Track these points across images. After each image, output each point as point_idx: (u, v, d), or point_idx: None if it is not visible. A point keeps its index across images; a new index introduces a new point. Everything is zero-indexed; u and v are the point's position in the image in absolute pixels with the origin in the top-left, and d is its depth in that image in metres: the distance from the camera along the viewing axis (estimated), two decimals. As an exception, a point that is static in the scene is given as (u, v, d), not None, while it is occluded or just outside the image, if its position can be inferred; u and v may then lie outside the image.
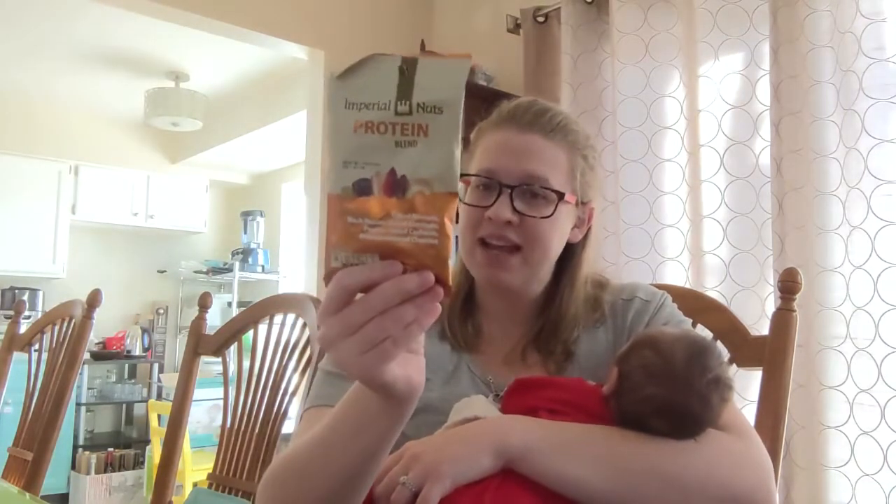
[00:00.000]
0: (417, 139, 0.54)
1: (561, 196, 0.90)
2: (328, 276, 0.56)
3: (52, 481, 3.84)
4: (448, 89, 0.55)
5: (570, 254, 0.96)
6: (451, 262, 0.56)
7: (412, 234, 0.54)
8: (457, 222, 0.85)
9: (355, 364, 0.57)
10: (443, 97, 0.55)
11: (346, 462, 0.68)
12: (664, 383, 0.75)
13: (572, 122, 0.95)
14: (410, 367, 0.61)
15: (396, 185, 0.54)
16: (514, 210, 0.88)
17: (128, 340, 5.26)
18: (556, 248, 0.93)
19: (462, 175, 0.93)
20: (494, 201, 0.88)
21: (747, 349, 1.05)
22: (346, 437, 0.67)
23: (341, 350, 0.57)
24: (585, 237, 0.97)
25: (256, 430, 1.44)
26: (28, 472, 1.69)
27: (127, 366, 5.37)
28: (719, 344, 1.03)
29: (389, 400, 0.62)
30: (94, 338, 4.91)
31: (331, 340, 0.57)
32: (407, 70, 0.54)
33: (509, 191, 0.88)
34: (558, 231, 0.92)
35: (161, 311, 5.63)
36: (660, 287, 1.00)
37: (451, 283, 0.56)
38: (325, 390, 0.91)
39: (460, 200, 0.93)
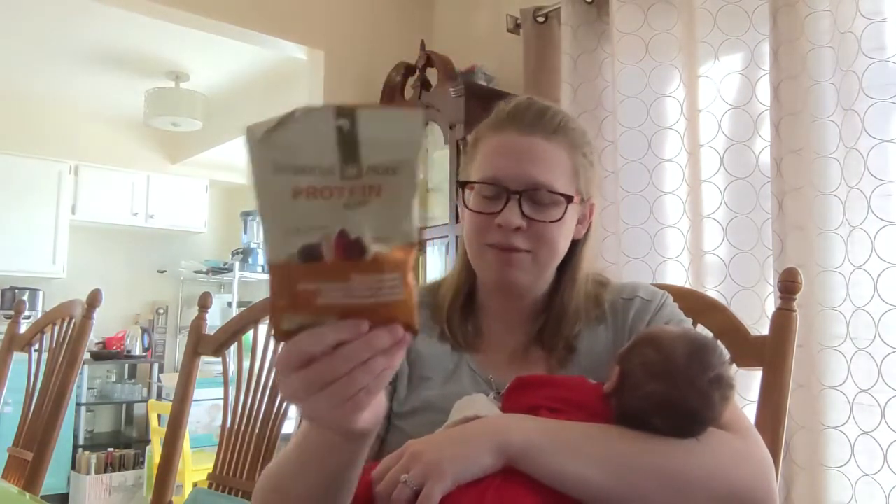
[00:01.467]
0: (369, 199, 0.48)
1: (570, 199, 0.91)
2: (282, 338, 0.53)
3: (52, 481, 3.84)
4: (402, 148, 0.48)
5: (572, 250, 0.96)
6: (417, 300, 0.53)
7: (377, 294, 0.50)
8: (457, 222, 0.85)
9: (328, 418, 0.57)
10: (397, 158, 0.48)
11: (314, 482, 0.70)
12: (665, 381, 0.75)
13: (571, 121, 0.95)
14: (375, 405, 0.60)
15: (351, 248, 0.49)
16: (524, 215, 0.88)
17: (128, 340, 5.26)
18: (564, 248, 0.94)
19: (466, 182, 0.93)
20: (503, 208, 0.89)
21: (747, 349, 1.05)
22: (313, 461, 0.69)
23: (311, 405, 0.55)
24: (586, 233, 0.98)
25: (256, 430, 1.44)
26: (28, 472, 1.69)
27: (127, 366, 5.37)
28: (719, 343, 1.03)
29: (354, 437, 0.63)
30: (94, 338, 4.91)
31: (298, 397, 0.55)
32: (348, 126, 0.48)
33: (517, 197, 0.88)
34: (566, 232, 0.93)
35: (161, 311, 5.63)
36: (660, 287, 1.00)
37: (417, 323, 0.53)
38: None
39: (466, 206, 0.93)
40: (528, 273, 0.91)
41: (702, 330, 1.07)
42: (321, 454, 0.68)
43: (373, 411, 0.59)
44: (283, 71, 4.09)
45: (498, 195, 0.90)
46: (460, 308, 0.97)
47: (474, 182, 0.92)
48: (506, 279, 0.91)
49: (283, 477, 0.75)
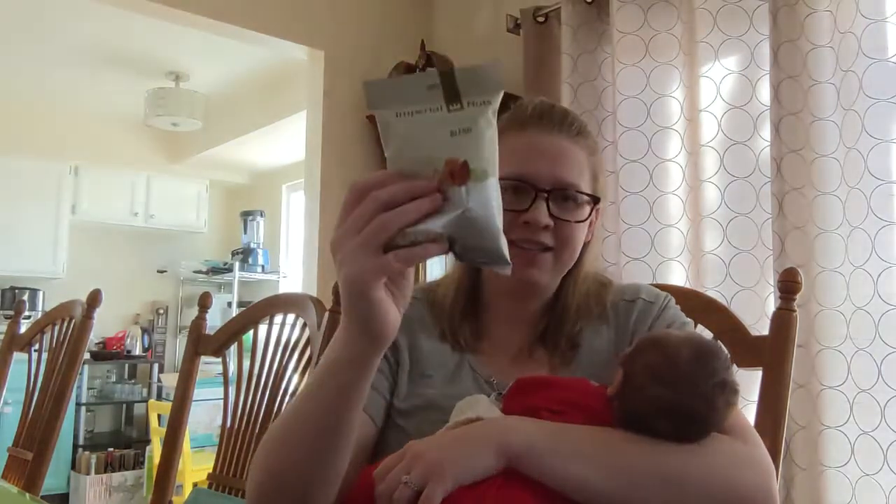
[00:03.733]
0: (470, 128, 0.61)
1: (596, 200, 0.92)
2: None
3: (52, 481, 3.84)
4: (490, 87, 0.63)
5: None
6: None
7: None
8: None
9: (355, 265, 0.62)
10: (487, 96, 0.62)
11: (327, 397, 0.73)
12: (670, 385, 0.75)
13: (587, 125, 0.97)
14: (392, 306, 0.66)
15: (460, 171, 0.61)
16: (550, 215, 0.89)
17: (128, 340, 5.26)
18: (579, 250, 0.94)
19: None
20: (530, 206, 0.89)
21: (747, 349, 1.05)
22: (329, 374, 0.72)
23: (345, 247, 0.62)
24: (591, 237, 0.99)
25: (256, 430, 1.44)
26: (28, 472, 1.69)
27: (127, 366, 5.37)
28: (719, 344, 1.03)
29: (363, 333, 0.67)
30: (94, 338, 4.91)
31: (338, 240, 0.63)
32: (448, 78, 0.61)
33: (545, 195, 0.89)
34: (584, 233, 0.94)
35: (161, 311, 5.63)
36: (660, 287, 1.01)
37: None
38: None
39: None
40: (549, 272, 0.92)
41: (702, 330, 1.07)
42: (337, 365, 0.71)
43: (389, 300, 0.65)
44: (283, 71, 4.09)
45: (524, 193, 0.89)
46: (462, 309, 0.97)
47: (500, 178, 0.92)
48: (527, 278, 0.91)
49: (284, 425, 0.78)
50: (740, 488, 0.76)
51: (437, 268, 2.78)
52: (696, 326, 1.04)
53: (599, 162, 0.96)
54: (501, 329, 0.97)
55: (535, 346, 0.96)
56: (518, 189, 0.90)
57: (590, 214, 0.92)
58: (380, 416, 0.91)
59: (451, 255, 0.63)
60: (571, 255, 0.93)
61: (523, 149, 0.91)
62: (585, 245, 0.97)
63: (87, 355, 4.41)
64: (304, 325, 1.44)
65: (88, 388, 5.02)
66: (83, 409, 4.96)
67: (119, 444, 5.03)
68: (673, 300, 0.97)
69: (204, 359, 1.57)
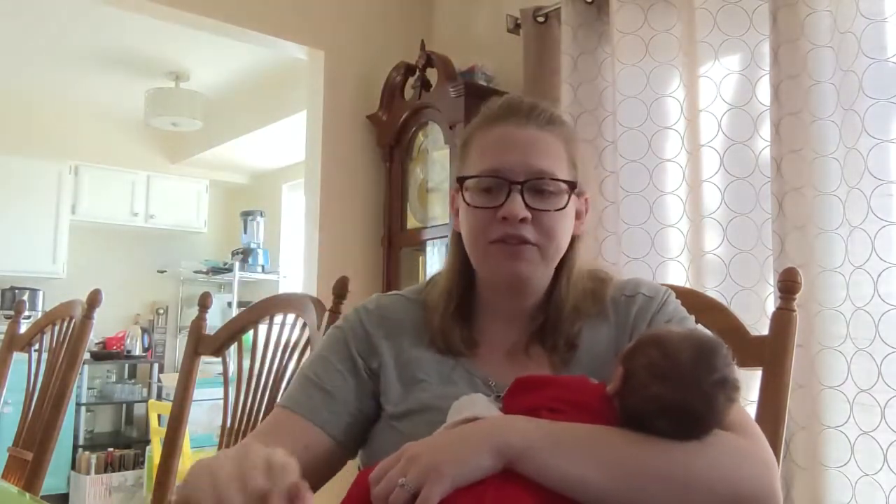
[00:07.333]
0: None
1: (573, 186, 0.90)
2: None
3: (52, 481, 3.84)
4: None
5: (569, 246, 0.95)
6: None
7: None
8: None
9: None
10: None
11: None
12: (670, 383, 0.75)
13: (561, 115, 0.96)
14: None
15: None
16: (527, 206, 0.88)
17: (128, 340, 5.26)
18: (567, 241, 0.93)
19: (465, 178, 0.92)
20: (505, 200, 0.88)
21: (747, 349, 1.05)
22: None
23: None
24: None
25: (256, 430, 1.44)
26: (28, 472, 1.69)
27: (127, 366, 5.37)
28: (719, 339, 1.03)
29: None
30: (94, 338, 4.91)
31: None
32: None
33: (519, 187, 0.88)
34: (568, 224, 0.92)
35: (161, 311, 5.63)
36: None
37: None
38: (299, 396, 0.92)
39: (466, 203, 0.91)
40: (536, 266, 0.90)
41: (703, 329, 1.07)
42: None
43: None
44: (283, 71, 4.09)
45: (499, 188, 0.89)
46: (453, 314, 0.95)
47: (473, 176, 0.91)
48: (515, 273, 0.90)
49: None
50: (743, 486, 0.75)
51: (436, 264, 2.78)
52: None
53: (578, 149, 0.95)
54: (495, 327, 0.96)
55: (531, 343, 0.94)
56: (492, 185, 0.89)
57: (568, 201, 0.90)
58: (340, 431, 0.90)
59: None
60: (557, 247, 0.91)
61: (493, 144, 0.91)
62: (575, 240, 0.95)
63: (87, 355, 4.41)
64: (304, 325, 1.44)
65: (88, 388, 5.02)
66: (83, 409, 4.96)
67: (119, 444, 5.03)
68: (673, 294, 0.97)
69: (204, 359, 1.57)
